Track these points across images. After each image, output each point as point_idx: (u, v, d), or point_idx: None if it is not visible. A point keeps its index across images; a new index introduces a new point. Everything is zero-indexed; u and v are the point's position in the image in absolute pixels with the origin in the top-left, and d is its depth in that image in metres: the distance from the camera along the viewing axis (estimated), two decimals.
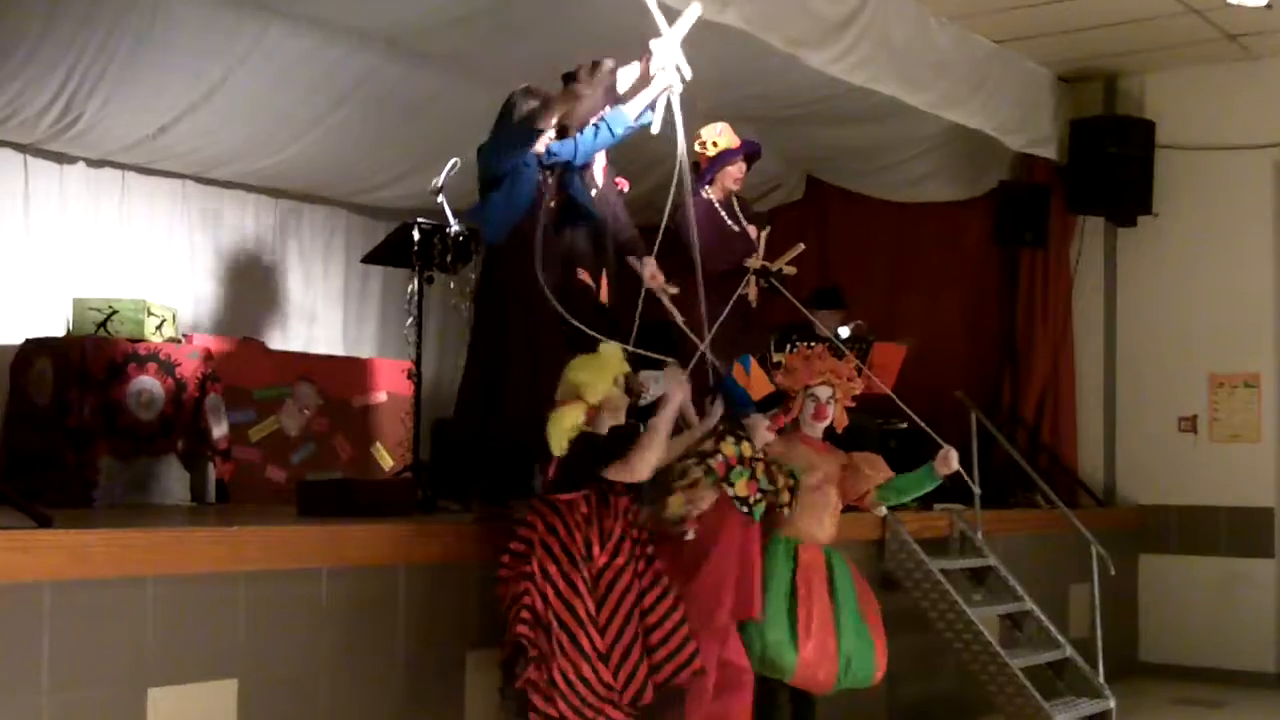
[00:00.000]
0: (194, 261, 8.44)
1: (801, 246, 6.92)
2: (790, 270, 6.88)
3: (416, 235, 6.31)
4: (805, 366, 5.62)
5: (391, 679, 4.76)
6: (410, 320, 6.34)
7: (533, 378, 5.34)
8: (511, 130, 5.56)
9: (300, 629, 4.52)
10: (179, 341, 7.10)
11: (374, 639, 4.73)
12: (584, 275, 5.69)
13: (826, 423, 5.64)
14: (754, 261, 6.70)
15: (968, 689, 6.53)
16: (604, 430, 4.69)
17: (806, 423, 5.61)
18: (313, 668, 4.53)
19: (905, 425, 8.66)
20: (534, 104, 5.57)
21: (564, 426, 4.60)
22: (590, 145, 5.65)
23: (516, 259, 5.41)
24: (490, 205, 5.58)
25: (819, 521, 5.49)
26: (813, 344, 5.94)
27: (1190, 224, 9.32)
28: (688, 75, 5.38)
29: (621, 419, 4.76)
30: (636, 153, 6.17)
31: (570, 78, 5.62)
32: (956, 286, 9.90)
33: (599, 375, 4.66)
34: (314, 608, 4.57)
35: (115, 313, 6.84)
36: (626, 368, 4.77)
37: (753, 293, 6.77)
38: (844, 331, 8.27)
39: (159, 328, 6.99)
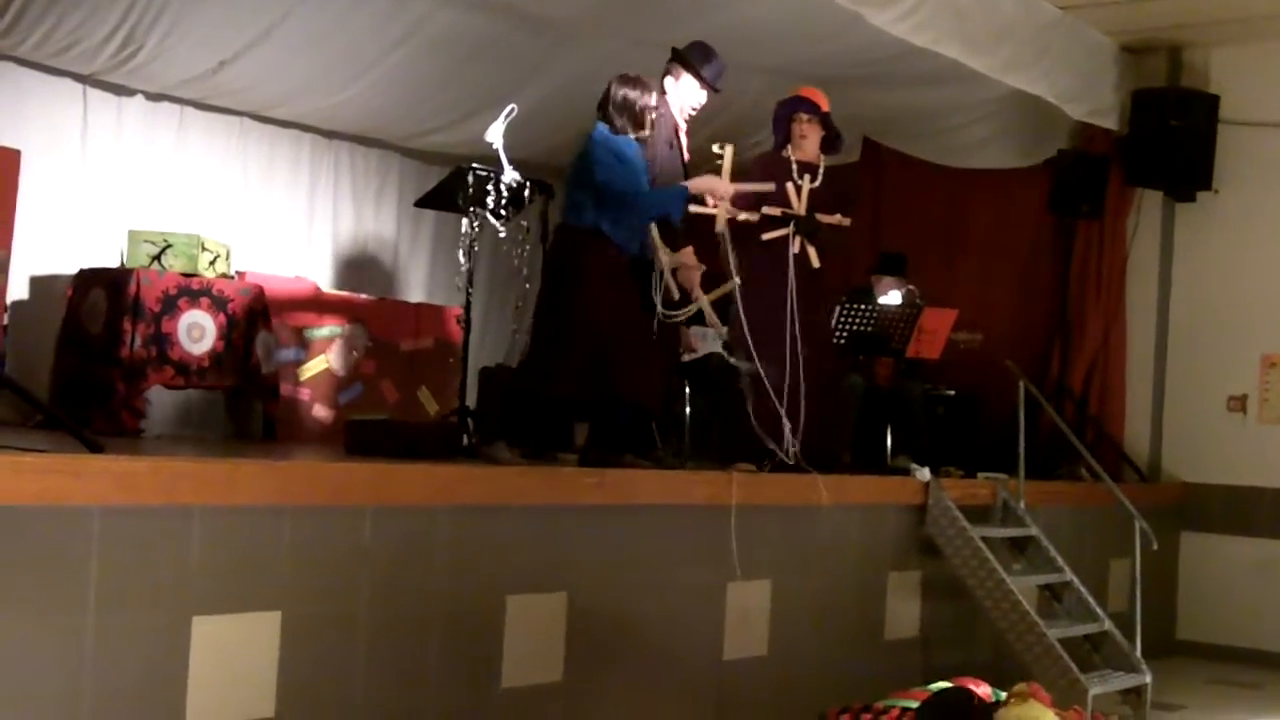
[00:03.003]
0: (248, 199, 8.47)
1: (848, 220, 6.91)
2: (836, 220, 6.83)
3: (470, 180, 6.30)
4: None
5: (431, 620, 4.80)
6: (463, 266, 6.35)
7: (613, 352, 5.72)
8: (653, 199, 5.89)
9: (344, 565, 4.56)
10: (231, 278, 7.15)
11: (416, 579, 4.76)
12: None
13: None
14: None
15: (1004, 657, 6.51)
16: None
17: None
18: (355, 604, 4.57)
19: (952, 391, 8.66)
20: (632, 94, 5.84)
21: None
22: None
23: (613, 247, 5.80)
24: (603, 205, 5.79)
25: None
26: None
27: (1250, 201, 9.17)
28: None
29: None
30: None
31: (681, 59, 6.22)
32: (1010, 254, 9.80)
33: None
34: (358, 545, 4.61)
35: (169, 246, 6.90)
36: None
37: (812, 254, 6.75)
38: (896, 296, 8.24)
39: (212, 263, 7.04)
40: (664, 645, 5.64)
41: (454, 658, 4.87)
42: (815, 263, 6.77)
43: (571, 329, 5.72)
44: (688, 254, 6.26)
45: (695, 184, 6.01)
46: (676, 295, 6.06)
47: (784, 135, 6.99)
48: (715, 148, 6.17)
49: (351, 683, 4.53)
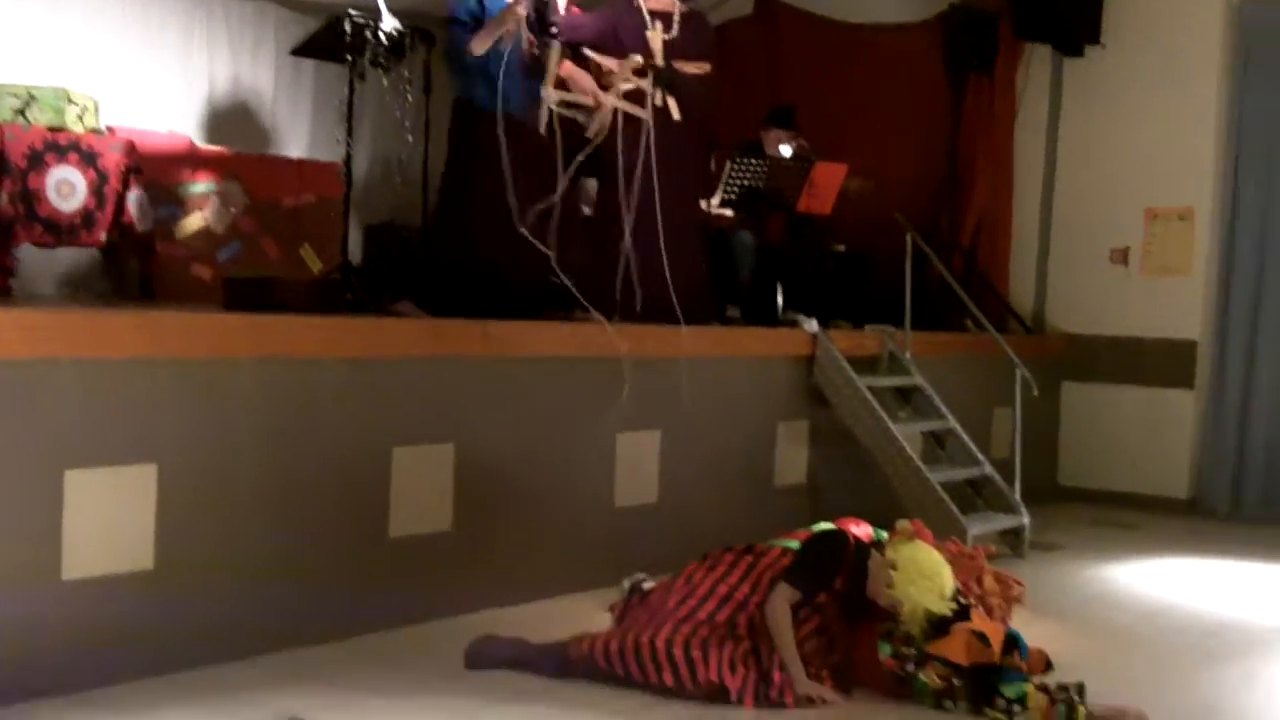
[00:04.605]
0: (118, 52, 8.12)
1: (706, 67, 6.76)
2: (696, 69, 6.69)
3: (348, 28, 6.11)
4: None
5: (315, 472, 4.76)
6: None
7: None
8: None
9: (223, 418, 4.49)
10: (101, 133, 6.89)
11: (298, 431, 4.71)
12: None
13: None
14: (629, 64, 6.41)
15: (889, 501, 6.64)
16: None
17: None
18: (235, 457, 4.52)
19: (843, 247, 8.70)
20: None
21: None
22: None
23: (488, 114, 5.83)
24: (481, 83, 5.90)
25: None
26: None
27: (1137, 57, 9.24)
28: None
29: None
30: None
31: None
32: (902, 111, 9.79)
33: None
34: (237, 398, 4.54)
35: (34, 100, 6.62)
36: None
37: (672, 106, 6.61)
38: (787, 150, 8.19)
39: (80, 117, 6.77)
40: (555, 494, 5.67)
41: (340, 509, 4.84)
42: (676, 115, 6.62)
43: (466, 203, 5.91)
44: (567, 69, 6.19)
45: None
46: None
47: None
48: None
49: (233, 535, 4.50)
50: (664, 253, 6.23)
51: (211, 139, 8.33)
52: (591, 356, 5.82)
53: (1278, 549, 7.71)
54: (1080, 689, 4.33)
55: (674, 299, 6.18)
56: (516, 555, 5.48)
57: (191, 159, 7.30)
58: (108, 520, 4.17)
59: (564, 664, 4.49)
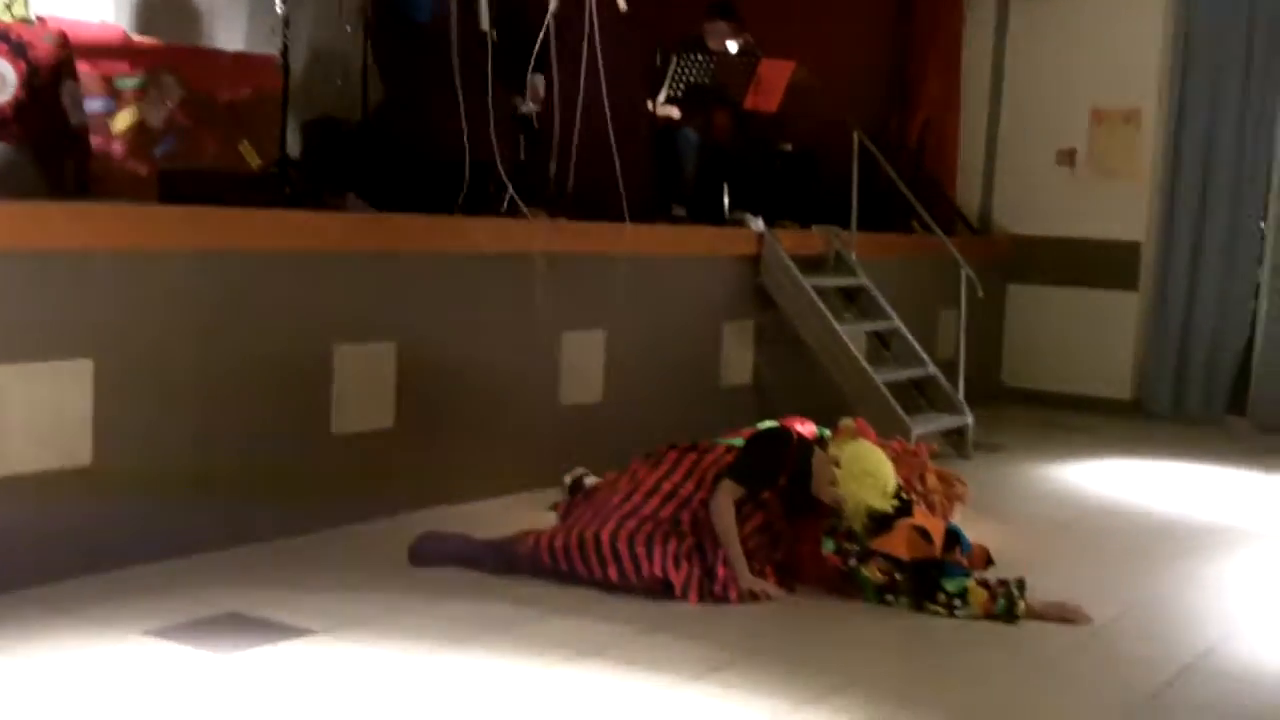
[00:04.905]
0: None
1: None
2: None
3: None
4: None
5: (256, 366, 4.70)
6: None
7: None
8: None
9: (160, 312, 4.42)
10: (32, 23, 6.68)
11: (237, 326, 4.64)
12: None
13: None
14: None
15: (834, 401, 6.66)
16: None
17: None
18: (174, 352, 4.45)
19: (790, 146, 8.63)
20: None
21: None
22: None
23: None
24: None
25: None
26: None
27: None
28: None
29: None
30: None
31: None
32: (850, 8, 9.68)
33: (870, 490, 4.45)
34: (175, 292, 4.46)
35: None
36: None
37: None
38: (732, 46, 8.09)
39: (8, 6, 6.56)
40: (499, 392, 5.64)
41: (281, 405, 4.79)
42: (622, 6, 6.51)
43: (405, 102, 5.99)
44: None
45: None
46: None
47: None
48: None
49: (173, 431, 4.44)
50: (613, 148, 6.15)
51: (145, 30, 8.11)
52: (537, 253, 5.76)
53: (1219, 449, 7.85)
54: (1021, 584, 4.38)
55: (621, 195, 6.11)
56: (460, 453, 5.46)
57: (125, 51, 7.06)
58: (44, 416, 4.09)
59: (509, 560, 4.49)
